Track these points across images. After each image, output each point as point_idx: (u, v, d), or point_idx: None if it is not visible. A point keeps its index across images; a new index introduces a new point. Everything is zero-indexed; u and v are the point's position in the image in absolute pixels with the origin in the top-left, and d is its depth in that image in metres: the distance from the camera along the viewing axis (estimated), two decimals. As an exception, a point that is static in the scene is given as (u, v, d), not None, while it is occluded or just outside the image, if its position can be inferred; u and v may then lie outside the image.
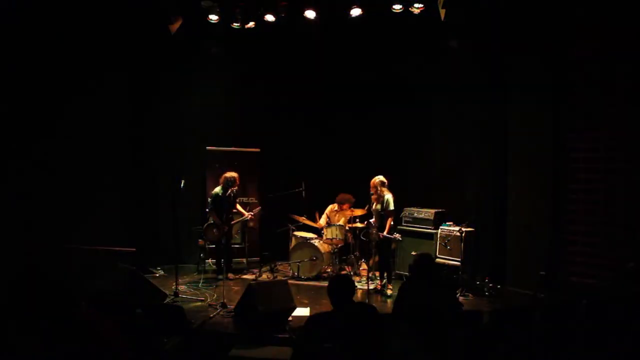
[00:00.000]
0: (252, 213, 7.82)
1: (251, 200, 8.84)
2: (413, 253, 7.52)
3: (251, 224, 8.29)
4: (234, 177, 7.58)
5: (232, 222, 7.72)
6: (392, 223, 6.90)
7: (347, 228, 7.95)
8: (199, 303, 6.41)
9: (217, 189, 7.64)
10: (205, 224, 7.61)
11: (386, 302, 6.66)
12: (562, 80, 6.95)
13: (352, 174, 9.30)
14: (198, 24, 7.82)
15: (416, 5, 7.07)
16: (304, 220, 8.28)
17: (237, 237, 8.31)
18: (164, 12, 7.54)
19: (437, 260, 7.31)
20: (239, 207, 7.97)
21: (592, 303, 4.49)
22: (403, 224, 7.93)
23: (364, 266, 8.06)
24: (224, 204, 7.58)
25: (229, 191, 7.52)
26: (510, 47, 7.38)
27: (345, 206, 8.02)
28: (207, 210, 7.62)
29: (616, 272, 6.07)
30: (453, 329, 3.54)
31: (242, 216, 7.83)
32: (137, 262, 7.45)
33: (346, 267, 8.10)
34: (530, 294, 6.85)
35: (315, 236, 8.14)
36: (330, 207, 8.36)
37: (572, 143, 6.89)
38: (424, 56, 8.36)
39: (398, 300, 4.08)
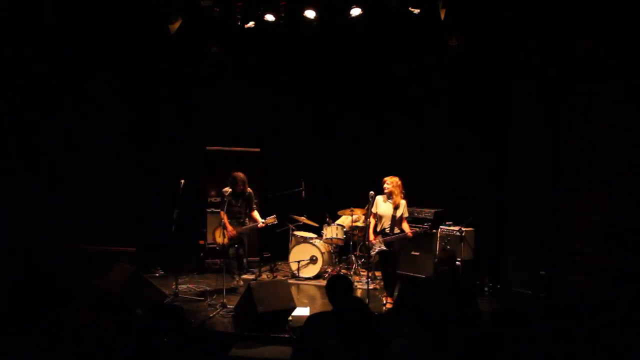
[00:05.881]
0: (264, 222, 7.12)
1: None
2: (413, 253, 7.54)
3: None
4: (233, 177, 7.07)
5: (241, 229, 7.10)
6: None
7: (347, 228, 7.93)
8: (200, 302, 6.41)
9: (226, 189, 7.22)
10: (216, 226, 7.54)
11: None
12: (563, 79, 6.96)
13: (352, 174, 9.31)
14: (198, 23, 7.82)
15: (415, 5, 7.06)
16: (304, 219, 8.27)
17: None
18: (164, 12, 7.53)
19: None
20: (255, 214, 7.25)
21: (591, 303, 4.49)
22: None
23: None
24: (230, 206, 7.09)
25: (235, 192, 7.06)
26: (511, 46, 7.39)
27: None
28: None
29: (616, 273, 6.07)
30: (454, 329, 3.55)
31: (254, 223, 7.20)
32: (137, 262, 7.47)
33: (346, 266, 8.09)
34: (530, 294, 6.87)
35: (315, 236, 8.15)
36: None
37: (572, 143, 6.90)
38: (424, 56, 8.36)
39: (400, 299, 4.07)
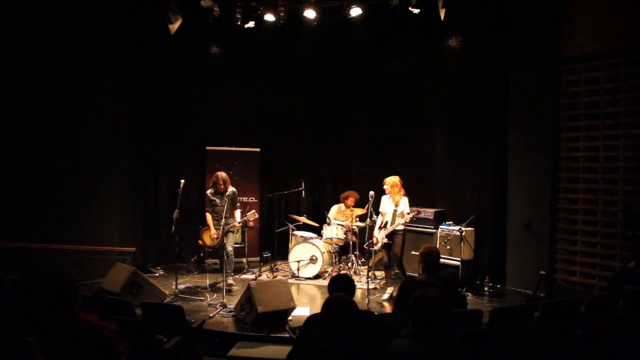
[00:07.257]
0: (240, 221, 7.27)
1: (251, 200, 8.84)
2: (413, 252, 7.53)
3: (251, 223, 8.24)
4: (215, 176, 7.14)
5: (226, 228, 6.97)
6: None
7: (347, 228, 7.92)
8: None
9: (209, 189, 7.32)
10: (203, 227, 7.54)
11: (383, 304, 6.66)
12: (562, 80, 6.96)
13: (353, 174, 9.31)
14: (198, 23, 7.82)
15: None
16: (303, 219, 8.27)
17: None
18: (164, 12, 7.53)
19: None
20: (235, 214, 7.28)
21: (591, 303, 4.49)
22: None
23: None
24: (214, 206, 7.19)
25: (217, 191, 7.11)
26: (511, 47, 7.39)
27: (349, 200, 7.99)
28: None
29: (616, 272, 6.07)
30: (454, 327, 3.54)
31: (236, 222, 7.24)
32: (137, 262, 7.47)
33: (346, 266, 8.09)
34: (530, 293, 6.87)
35: (315, 235, 8.14)
36: (336, 207, 8.30)
37: (572, 143, 6.90)
38: (423, 54, 8.36)
39: (399, 297, 4.06)
